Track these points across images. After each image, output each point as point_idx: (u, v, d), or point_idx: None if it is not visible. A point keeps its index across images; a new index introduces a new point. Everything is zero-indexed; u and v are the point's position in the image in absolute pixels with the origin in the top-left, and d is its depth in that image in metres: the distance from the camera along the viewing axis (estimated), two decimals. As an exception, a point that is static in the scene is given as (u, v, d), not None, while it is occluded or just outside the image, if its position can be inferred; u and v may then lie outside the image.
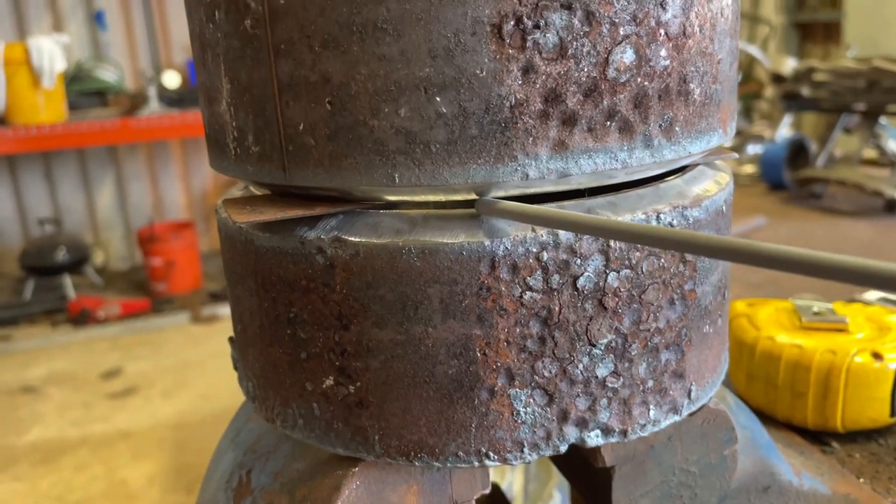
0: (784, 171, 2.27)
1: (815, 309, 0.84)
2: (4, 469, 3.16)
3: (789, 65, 2.38)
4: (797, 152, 2.34)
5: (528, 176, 0.43)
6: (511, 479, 1.07)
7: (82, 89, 5.38)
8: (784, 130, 2.51)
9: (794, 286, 1.45)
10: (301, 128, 0.45)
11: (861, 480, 0.72)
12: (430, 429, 0.47)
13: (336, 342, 0.48)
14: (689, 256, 0.49)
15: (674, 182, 0.51)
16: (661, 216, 0.47)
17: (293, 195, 0.49)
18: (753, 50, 3.23)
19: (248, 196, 0.52)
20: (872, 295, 0.95)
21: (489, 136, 0.42)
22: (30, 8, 5.30)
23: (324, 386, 0.49)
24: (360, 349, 0.47)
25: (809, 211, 2.05)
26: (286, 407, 0.52)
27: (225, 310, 5.45)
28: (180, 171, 6.39)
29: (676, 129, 0.46)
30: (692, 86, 0.46)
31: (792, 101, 2.37)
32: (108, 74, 5.47)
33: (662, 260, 0.48)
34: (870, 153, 2.45)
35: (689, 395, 0.52)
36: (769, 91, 2.61)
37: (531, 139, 0.43)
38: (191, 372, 4.50)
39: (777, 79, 2.42)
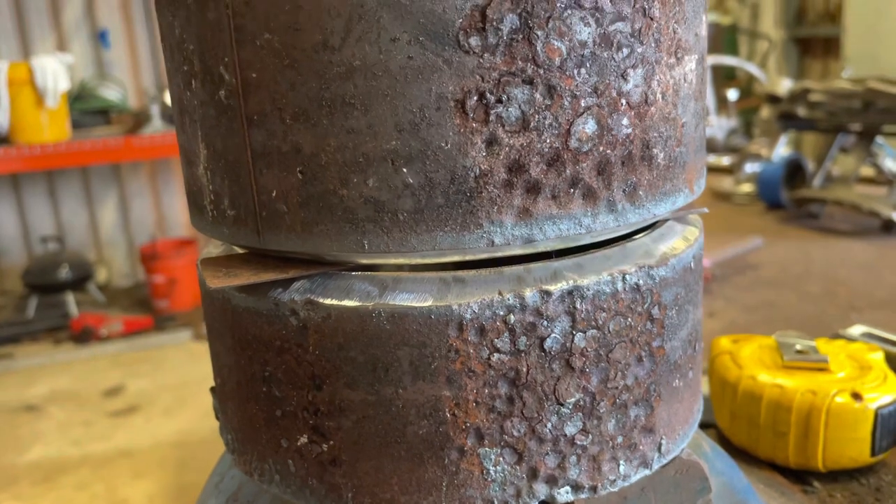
0: (781, 191, 2.28)
1: (798, 347, 0.84)
2: (5, 488, 3.17)
3: (785, 85, 2.40)
4: (794, 171, 2.35)
5: (493, 242, 0.44)
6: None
7: (86, 108, 5.43)
8: (781, 150, 2.52)
9: (789, 309, 1.46)
10: (274, 195, 0.46)
11: (841, 522, 0.72)
12: (402, 487, 0.48)
13: (309, 401, 0.49)
14: (656, 314, 0.50)
15: (641, 240, 0.52)
16: (627, 277, 0.48)
17: (269, 256, 0.51)
18: (751, 68, 3.25)
19: (226, 256, 0.53)
20: (856, 330, 0.95)
21: (455, 205, 0.44)
22: (34, 27, 5.35)
23: (298, 443, 0.50)
24: (332, 409, 0.48)
25: (807, 230, 2.06)
26: (263, 462, 0.53)
27: (227, 326, 5.44)
28: (182, 188, 6.42)
29: (640, 192, 0.47)
30: (655, 150, 0.47)
31: (788, 121, 2.38)
32: (111, 93, 5.50)
33: (629, 319, 0.49)
34: (867, 171, 2.46)
35: (659, 450, 0.53)
36: (765, 111, 2.63)
37: (496, 207, 0.44)
38: (192, 390, 4.51)
39: (773, 99, 2.43)
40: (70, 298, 5.21)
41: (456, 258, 0.47)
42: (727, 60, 4.21)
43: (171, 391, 4.97)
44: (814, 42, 5.61)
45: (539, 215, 0.45)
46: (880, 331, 0.94)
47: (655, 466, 0.53)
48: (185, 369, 5.35)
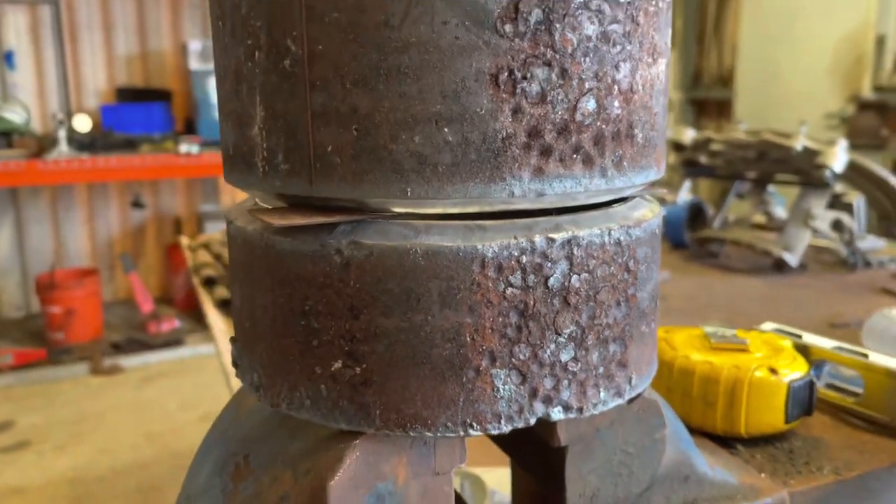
0: (684, 232, 2.48)
1: (721, 333, 0.98)
2: None
3: (689, 134, 2.63)
4: (696, 214, 2.56)
5: (513, 194, 0.54)
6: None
7: (-15, 129, 5.21)
8: (684, 194, 2.74)
9: (702, 315, 1.61)
10: (329, 149, 0.55)
11: (762, 475, 0.85)
12: (425, 403, 0.57)
13: (346, 330, 0.57)
14: (631, 266, 0.61)
15: (619, 208, 0.63)
16: (612, 232, 0.59)
17: (310, 207, 0.59)
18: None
19: (274, 208, 0.61)
20: (768, 326, 1.10)
21: (485, 161, 0.54)
22: (-64, 44, 5.14)
23: (332, 369, 0.58)
24: (367, 335, 0.56)
25: (708, 268, 2.25)
26: (294, 390, 0.60)
27: (127, 361, 5.28)
28: (86, 216, 6.22)
29: (624, 163, 0.59)
30: (636, 130, 0.59)
31: (691, 167, 2.60)
32: (13, 115, 5.33)
33: (612, 268, 0.59)
34: (759, 218, 2.70)
35: (630, 382, 0.63)
36: (670, 158, 2.86)
37: (517, 164, 0.54)
38: (88, 425, 4.32)
39: (678, 147, 2.66)
40: (-44, 330, 4.90)
41: (479, 209, 0.57)
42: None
43: (65, 426, 4.73)
44: (708, 103, 6.07)
45: (550, 174, 0.55)
46: (787, 327, 1.09)
47: (626, 397, 0.63)
48: (82, 404, 5.11)
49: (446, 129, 0.53)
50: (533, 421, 0.59)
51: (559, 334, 0.58)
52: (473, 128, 0.53)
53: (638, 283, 0.62)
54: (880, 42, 4.98)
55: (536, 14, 0.52)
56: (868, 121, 5.04)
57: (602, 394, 0.61)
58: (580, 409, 0.60)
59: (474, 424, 0.57)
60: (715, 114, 6.03)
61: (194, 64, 5.85)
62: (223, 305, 2.12)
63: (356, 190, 0.55)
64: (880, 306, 1.81)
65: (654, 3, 0.58)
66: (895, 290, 1.91)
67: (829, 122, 5.09)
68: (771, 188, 2.57)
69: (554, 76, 0.54)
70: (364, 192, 0.55)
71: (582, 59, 0.54)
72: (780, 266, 2.17)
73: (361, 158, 0.54)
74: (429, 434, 0.57)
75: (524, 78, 0.53)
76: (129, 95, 6.01)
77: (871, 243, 2.34)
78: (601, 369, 0.60)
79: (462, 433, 0.57)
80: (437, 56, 0.52)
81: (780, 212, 2.66)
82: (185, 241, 3.05)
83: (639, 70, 0.58)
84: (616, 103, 0.57)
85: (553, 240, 0.56)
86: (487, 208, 0.57)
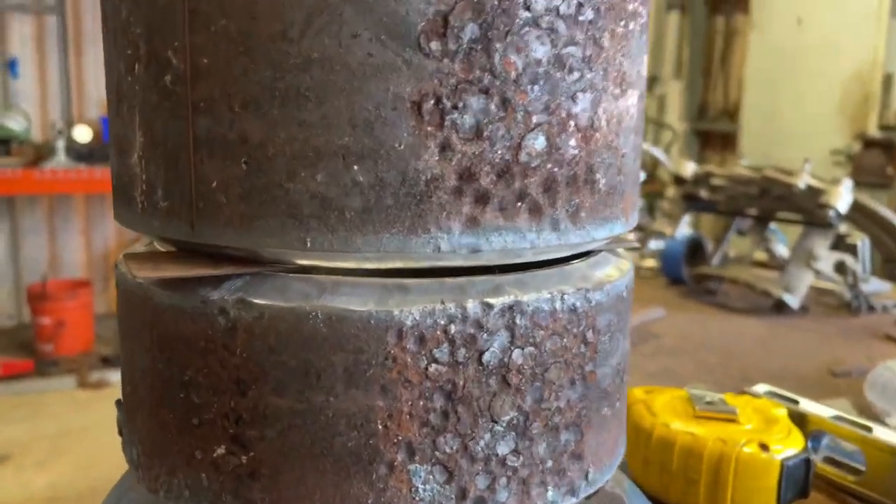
0: (682, 267, 2.37)
1: (707, 399, 0.87)
2: None
3: (690, 168, 2.53)
4: (695, 250, 2.45)
5: (440, 249, 0.44)
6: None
7: (-16, 136, 5.17)
8: (684, 229, 2.64)
9: (687, 377, 1.50)
10: (214, 185, 0.44)
11: (747, 570, 0.73)
12: (325, 503, 0.46)
13: (231, 408, 0.46)
14: (590, 338, 0.50)
15: (578, 265, 0.52)
16: (566, 297, 0.48)
17: (199, 253, 0.48)
18: (657, 152, 3.42)
19: (152, 252, 0.51)
20: (761, 388, 0.99)
21: (404, 208, 0.43)
22: (-63, 50, 5.11)
23: (214, 455, 0.47)
24: (256, 417, 0.45)
25: (705, 305, 2.14)
26: (172, 476, 0.49)
27: (116, 375, 5.17)
28: (82, 227, 6.15)
29: (582, 214, 0.48)
30: (598, 175, 0.49)
31: (691, 201, 2.50)
32: (13, 123, 5.28)
33: (565, 340, 0.49)
34: (760, 255, 2.59)
35: (586, 478, 0.52)
36: (671, 191, 2.76)
37: (445, 213, 0.44)
38: (72, 440, 4.21)
39: (678, 180, 2.56)
40: (-58, 335, 4.83)
41: (399, 264, 0.46)
42: (635, 144, 4.40)
43: (47, 440, 4.62)
44: (713, 136, 5.99)
45: (486, 225, 0.45)
46: (782, 390, 0.98)
47: (581, 495, 0.52)
48: (66, 418, 5.01)
49: (356, 167, 0.43)
50: (461, 527, 0.48)
51: (496, 422, 0.47)
52: (390, 166, 0.43)
53: (598, 358, 0.51)
54: (887, 80, 4.91)
55: (471, 30, 0.42)
56: (874, 159, 4.95)
57: (550, 493, 0.50)
58: (521, 513, 0.49)
59: (386, 531, 0.46)
60: (720, 146, 5.94)
61: (197, 77, 5.78)
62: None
63: (245, 237, 0.44)
64: (883, 353, 1.69)
65: (622, 24, 0.48)
66: (901, 339, 1.80)
67: (834, 159, 5.00)
68: (773, 225, 2.47)
69: (493, 107, 0.43)
70: (255, 241, 0.44)
71: (529, 88, 0.44)
72: (780, 307, 2.06)
73: (252, 198, 0.44)
74: (329, 541, 0.46)
75: (455, 108, 0.43)
76: (130, 107, 5.96)
77: (875, 286, 2.24)
78: (549, 463, 0.49)
79: (370, 541, 0.46)
80: (346, 76, 0.42)
81: (782, 250, 2.55)
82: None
83: (602, 103, 0.48)
84: (572, 142, 0.46)
85: (490, 305, 0.46)
86: (410, 264, 0.46)
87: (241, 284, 0.46)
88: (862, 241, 2.29)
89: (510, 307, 0.46)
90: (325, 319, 0.44)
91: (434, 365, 0.45)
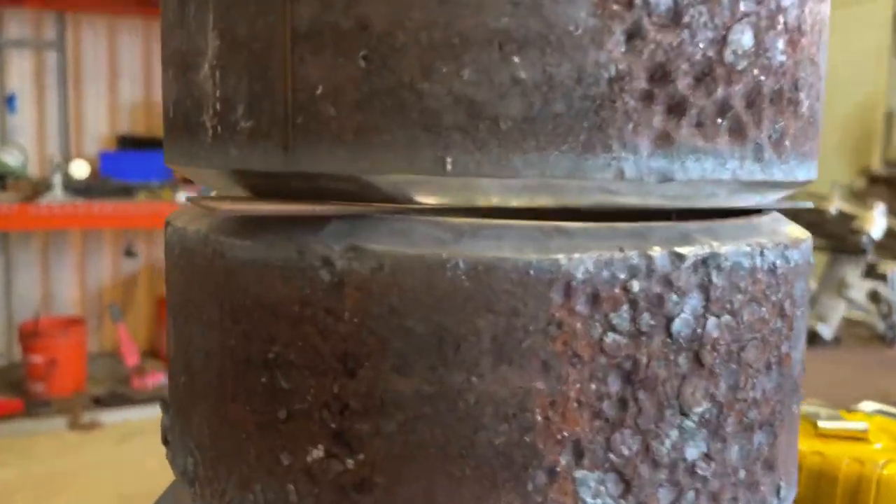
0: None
1: (824, 415, 0.75)
2: None
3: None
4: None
5: (623, 174, 0.33)
6: None
7: (-20, 171, 5.07)
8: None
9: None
10: (319, 92, 0.33)
11: None
12: None
13: (334, 394, 0.34)
14: (787, 309, 0.39)
15: (762, 219, 0.41)
16: (766, 252, 0.37)
17: (287, 196, 0.37)
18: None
19: (226, 196, 0.39)
20: (868, 406, 0.87)
21: (579, 116, 0.32)
22: (-65, 83, 5.04)
23: (309, 459, 0.35)
24: (369, 405, 0.34)
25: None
26: (245, 489, 0.37)
27: (109, 416, 5.01)
28: (77, 263, 6.03)
29: (786, 143, 0.37)
30: (802, 95, 0.38)
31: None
32: (10, 158, 5.20)
33: (763, 309, 0.37)
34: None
35: (777, 494, 0.40)
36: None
37: (631, 126, 0.32)
38: (59, 484, 4.02)
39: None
40: (-69, 373, 4.67)
41: (554, 202, 0.35)
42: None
43: (35, 485, 4.44)
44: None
45: (682, 145, 0.33)
46: (891, 408, 0.86)
47: None
48: (57, 460, 4.83)
49: (516, 59, 0.31)
50: (637, 557, 0.35)
51: (685, 415, 0.35)
52: (562, 58, 0.31)
53: (793, 337, 0.40)
54: (889, 117, 4.88)
55: None
56: (878, 195, 4.90)
57: None
58: (709, 540, 0.37)
59: (541, 563, 0.34)
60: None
61: (198, 113, 5.71)
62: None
63: (360, 159, 0.33)
64: (929, 386, 1.59)
65: None
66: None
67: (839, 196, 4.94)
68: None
69: (694, -16, 0.32)
70: (372, 163, 0.33)
71: (738, -38, 0.33)
72: (811, 338, 1.95)
73: (372, 106, 0.32)
74: (465, 578, 0.34)
75: (648, -19, 0.32)
76: (130, 143, 5.89)
77: None
78: (742, 473, 0.37)
79: (521, 577, 0.34)
80: (507, -65, 0.31)
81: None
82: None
83: (808, 2, 0.37)
84: (780, 44, 0.36)
85: (681, 257, 0.34)
86: (571, 201, 0.35)
87: (348, 228, 0.34)
88: (893, 270, 2.19)
89: (704, 261, 0.35)
90: (468, 270, 0.32)
91: (611, 334, 0.33)
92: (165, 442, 0.45)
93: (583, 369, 0.33)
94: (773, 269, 0.37)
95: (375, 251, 0.33)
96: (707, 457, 0.36)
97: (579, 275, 0.33)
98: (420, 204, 0.35)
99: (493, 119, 0.32)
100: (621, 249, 0.33)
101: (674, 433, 0.35)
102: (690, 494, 0.36)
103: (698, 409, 0.35)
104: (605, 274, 0.33)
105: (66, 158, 5.51)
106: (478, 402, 0.33)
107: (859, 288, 2.14)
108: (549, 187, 0.33)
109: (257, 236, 0.36)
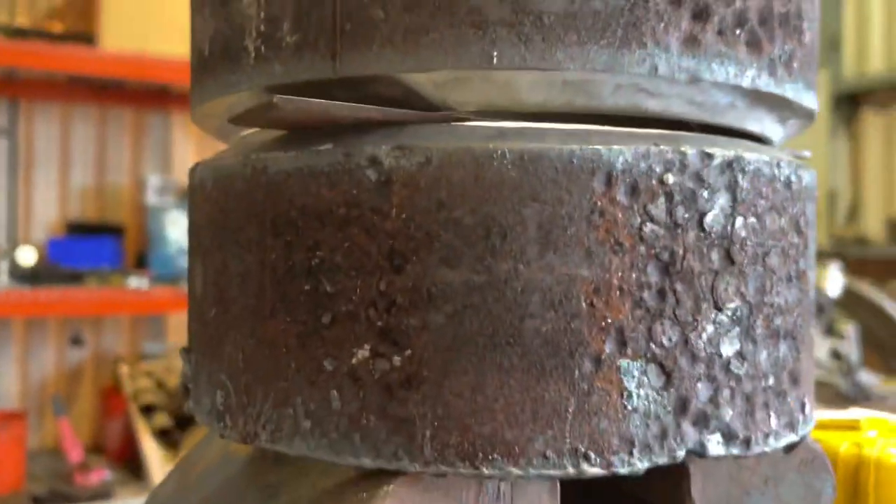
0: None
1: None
2: None
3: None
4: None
5: (656, 69, 0.35)
6: None
7: (-82, 258, 4.91)
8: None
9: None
10: None
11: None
12: (510, 416, 0.34)
13: (381, 292, 0.34)
14: (802, 225, 0.41)
15: (775, 146, 0.43)
16: (782, 164, 0.39)
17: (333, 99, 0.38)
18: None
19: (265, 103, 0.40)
20: (856, 412, 0.89)
21: (616, 13, 0.34)
22: None
23: (354, 361, 0.35)
24: (416, 299, 0.34)
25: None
26: (284, 406, 0.36)
27: (49, 514, 4.72)
28: (19, 354, 5.78)
29: (794, 65, 0.40)
30: (805, 25, 0.41)
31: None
32: (-48, 246, 5.06)
33: (782, 220, 0.39)
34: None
35: (803, 410, 0.41)
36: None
37: (662, 25, 0.35)
38: None
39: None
40: None
41: (588, 103, 0.37)
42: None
43: None
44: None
45: (708, 48, 0.36)
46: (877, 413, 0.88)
47: (800, 433, 0.41)
48: (-11, 566, 4.49)
49: None
50: (681, 455, 0.36)
51: (720, 309, 0.36)
52: None
53: (807, 256, 0.42)
54: (832, 196, 5.12)
55: None
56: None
57: (773, 420, 0.39)
58: (746, 442, 0.37)
59: (592, 456, 0.34)
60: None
61: (152, 198, 5.68)
62: (162, 436, 1.90)
63: (410, 58, 0.34)
64: None
65: None
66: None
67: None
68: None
69: None
70: (423, 61, 0.34)
71: None
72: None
73: (420, 7, 0.34)
74: (516, 472, 0.34)
75: None
76: (79, 229, 5.80)
77: (866, 378, 2.18)
78: (771, 379, 0.38)
79: (571, 470, 0.34)
80: None
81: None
82: (125, 368, 2.77)
83: None
84: None
85: (710, 156, 0.36)
86: (607, 104, 0.37)
87: (395, 131, 0.36)
88: (850, 329, 2.25)
89: (730, 163, 0.37)
90: (514, 160, 0.34)
91: (649, 224, 0.35)
92: (186, 390, 0.44)
93: (624, 258, 0.34)
94: (788, 183, 0.40)
95: (423, 147, 0.34)
96: (740, 355, 0.37)
97: (619, 164, 0.34)
98: (465, 109, 0.36)
99: (536, 14, 0.34)
100: (656, 144, 0.35)
101: (710, 327, 0.36)
102: (726, 392, 0.37)
103: (731, 305, 0.36)
104: (643, 165, 0.35)
105: (13, 244, 5.40)
106: (524, 289, 0.34)
107: (820, 346, 2.18)
108: (588, 84, 0.35)
109: (302, 145, 0.37)
